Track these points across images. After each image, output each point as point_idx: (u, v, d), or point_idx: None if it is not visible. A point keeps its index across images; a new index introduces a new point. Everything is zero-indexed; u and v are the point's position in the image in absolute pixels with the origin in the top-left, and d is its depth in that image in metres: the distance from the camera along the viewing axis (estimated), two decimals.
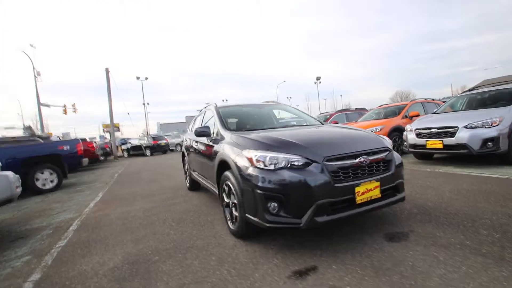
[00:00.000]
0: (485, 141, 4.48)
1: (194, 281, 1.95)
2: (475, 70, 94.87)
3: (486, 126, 4.52)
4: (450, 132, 4.90)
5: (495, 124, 4.48)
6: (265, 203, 2.10)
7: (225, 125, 3.29)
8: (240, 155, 2.44)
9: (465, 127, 4.70)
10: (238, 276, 1.97)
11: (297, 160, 2.13)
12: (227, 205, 2.81)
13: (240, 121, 3.66)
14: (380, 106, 9.84)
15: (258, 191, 2.13)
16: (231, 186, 2.58)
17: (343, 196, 2.10)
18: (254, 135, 2.70)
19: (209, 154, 3.37)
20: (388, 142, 2.56)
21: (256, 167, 2.21)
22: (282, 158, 2.15)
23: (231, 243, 2.55)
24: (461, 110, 5.97)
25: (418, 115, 7.18)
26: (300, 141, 2.36)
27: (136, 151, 20.92)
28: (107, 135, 34.08)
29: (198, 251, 2.45)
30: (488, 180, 3.86)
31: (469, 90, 6.53)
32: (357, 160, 2.20)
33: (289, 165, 2.12)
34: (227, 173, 2.67)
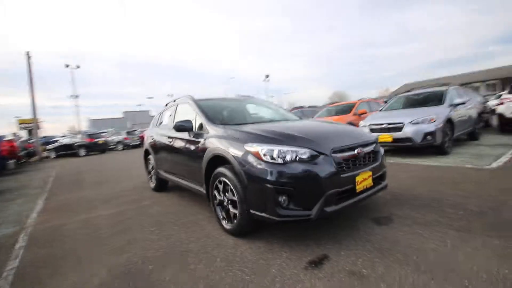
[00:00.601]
0: (426, 135, 5.29)
1: (210, 286, 1.82)
2: (396, 75, 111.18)
3: (426, 122, 5.34)
4: (398, 127, 5.63)
5: (433, 121, 5.32)
6: (276, 197, 2.08)
7: (210, 118, 3.12)
8: (241, 149, 2.35)
9: (410, 123, 5.47)
10: (255, 274, 1.91)
11: (305, 152, 2.17)
12: (220, 203, 2.69)
13: (225, 114, 3.53)
14: (330, 104, 10.65)
15: (268, 185, 2.09)
16: (228, 182, 2.47)
17: (347, 185, 2.22)
18: (251, 128, 2.64)
19: (192, 150, 3.15)
20: (374, 136, 2.81)
21: (264, 161, 2.17)
22: (291, 151, 2.15)
23: (230, 243, 2.45)
24: (403, 108, 6.89)
25: (365, 113, 8.05)
26: (303, 134, 2.41)
27: (65, 150, 18.18)
28: (23, 133, 28.64)
29: (197, 254, 2.29)
30: (433, 168, 4.58)
31: (407, 91, 7.59)
32: (355, 151, 2.36)
33: (297, 158, 2.14)
34: (222, 169, 2.55)
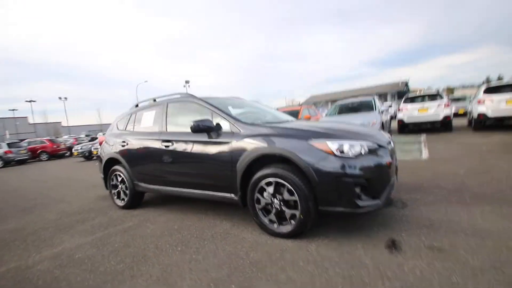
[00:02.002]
0: None
1: None
2: (299, 87, 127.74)
3: (370, 125, 6.46)
4: None
5: (374, 123, 6.49)
6: (354, 190, 2.15)
7: (235, 117, 2.89)
8: (305, 145, 2.30)
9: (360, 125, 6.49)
10: (350, 266, 1.92)
11: (372, 145, 2.32)
12: (266, 207, 2.53)
13: (244, 113, 3.31)
14: (280, 109, 11.34)
15: (347, 179, 2.14)
16: (283, 182, 2.36)
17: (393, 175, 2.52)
18: (297, 125, 2.67)
19: (215, 153, 2.82)
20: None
21: (336, 155, 2.20)
22: (359, 144, 2.27)
23: (291, 245, 2.33)
24: (340, 114, 8.07)
25: (310, 118, 8.97)
26: (353, 130, 2.57)
27: None
28: None
29: (273, 264, 2.07)
30: None
31: (341, 100, 8.96)
32: (391, 145, 2.71)
33: (367, 151, 2.27)
34: (273, 169, 2.42)
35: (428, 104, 9.38)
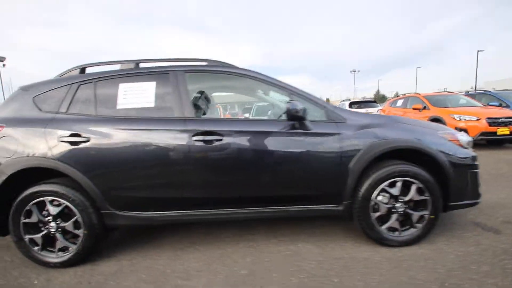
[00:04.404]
0: None
1: None
2: None
3: None
4: None
5: None
6: (478, 179, 2.17)
7: (327, 105, 2.18)
8: (437, 137, 2.11)
9: None
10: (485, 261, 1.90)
11: (467, 137, 2.40)
12: (381, 215, 2.08)
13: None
14: None
15: (475, 169, 2.14)
16: (413, 181, 2.04)
17: None
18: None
19: (315, 149, 2.00)
20: None
21: (464, 147, 2.15)
22: (465, 137, 2.31)
23: (409, 253, 2.02)
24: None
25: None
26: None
27: None
28: None
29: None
30: None
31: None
32: None
33: (471, 143, 2.32)
34: (401, 167, 2.03)
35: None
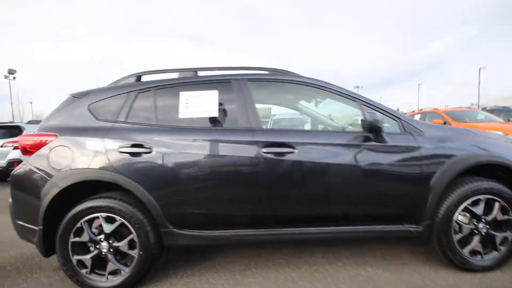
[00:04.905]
0: None
1: None
2: None
3: None
4: None
5: None
6: None
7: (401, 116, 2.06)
8: None
9: None
10: None
11: None
12: (471, 233, 1.91)
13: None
14: None
15: None
16: (497, 199, 1.88)
17: None
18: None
19: (393, 163, 1.86)
20: None
21: None
22: None
23: (491, 280, 1.84)
24: None
25: None
26: None
27: None
28: None
29: None
30: None
31: None
32: None
33: None
34: (486, 184, 1.87)
35: None
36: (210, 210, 1.87)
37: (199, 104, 1.98)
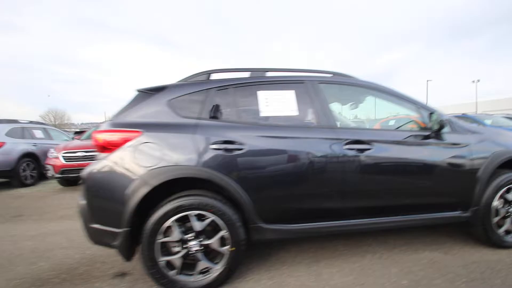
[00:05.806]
0: None
1: None
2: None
3: None
4: None
5: None
6: None
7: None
8: None
9: None
10: None
11: None
12: (504, 216, 2.27)
13: None
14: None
15: None
16: None
17: None
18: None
19: (452, 159, 2.15)
20: None
21: None
22: None
23: None
24: None
25: None
26: None
27: None
28: None
29: None
30: None
31: None
32: None
33: None
34: None
35: None
36: (298, 204, 1.94)
37: (279, 103, 2.06)
